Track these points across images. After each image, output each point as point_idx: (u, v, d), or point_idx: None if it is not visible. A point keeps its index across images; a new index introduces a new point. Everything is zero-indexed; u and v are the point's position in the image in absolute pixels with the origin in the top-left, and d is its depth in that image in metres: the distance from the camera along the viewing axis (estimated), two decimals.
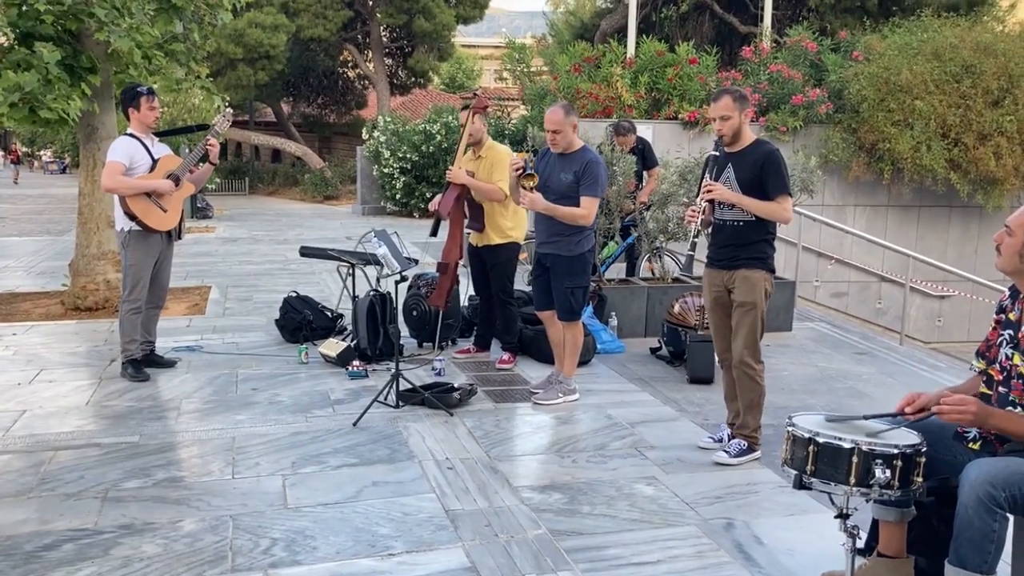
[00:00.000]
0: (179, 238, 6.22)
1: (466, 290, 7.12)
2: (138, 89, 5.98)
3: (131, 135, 5.95)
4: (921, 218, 13.45)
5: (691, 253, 4.78)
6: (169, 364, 6.32)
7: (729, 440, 4.78)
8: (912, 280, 10.64)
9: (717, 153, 4.65)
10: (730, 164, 4.60)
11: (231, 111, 6.56)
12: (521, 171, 5.33)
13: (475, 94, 6.67)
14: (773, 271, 4.67)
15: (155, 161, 5.93)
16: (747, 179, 4.52)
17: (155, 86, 8.58)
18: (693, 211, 4.60)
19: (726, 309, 4.73)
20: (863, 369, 6.81)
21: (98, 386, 5.86)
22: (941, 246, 13.36)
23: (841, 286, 13.10)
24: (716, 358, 6.27)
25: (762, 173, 4.48)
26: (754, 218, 4.53)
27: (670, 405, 5.65)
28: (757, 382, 4.65)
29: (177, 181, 5.94)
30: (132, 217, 5.83)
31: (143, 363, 6.14)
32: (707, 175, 4.65)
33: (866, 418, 3.01)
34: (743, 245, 4.60)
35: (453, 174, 6.19)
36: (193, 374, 6.16)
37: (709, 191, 4.55)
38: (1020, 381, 2.88)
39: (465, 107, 6.34)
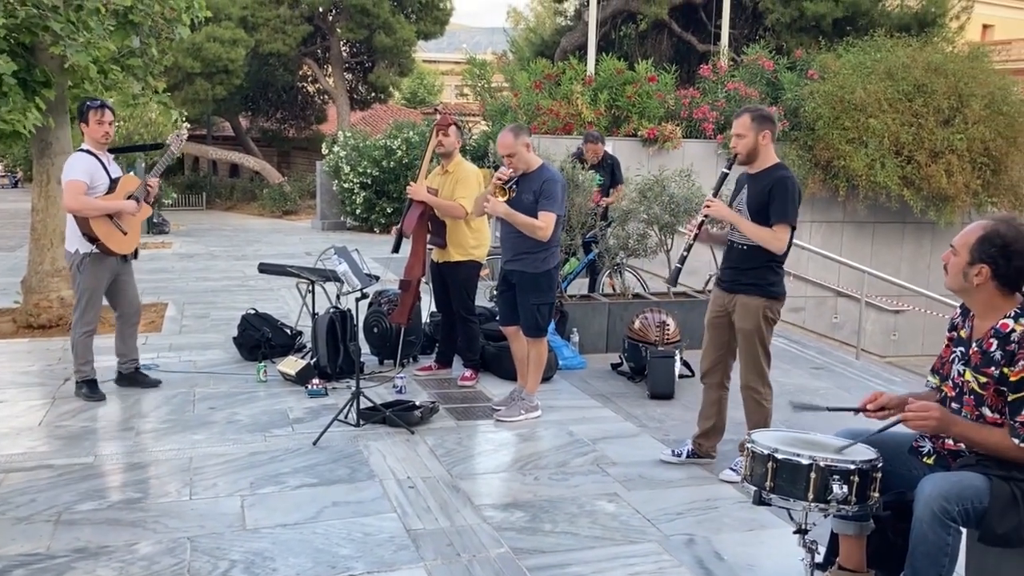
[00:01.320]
0: (135, 258, 6.12)
1: (428, 306, 7.10)
2: (87, 103, 5.83)
3: (86, 151, 5.80)
4: (876, 234, 13.71)
5: (679, 266, 4.70)
6: (154, 383, 6.21)
7: (682, 451, 4.87)
8: (867, 295, 10.82)
9: (727, 171, 4.63)
10: (747, 185, 4.59)
11: (186, 130, 6.47)
12: (503, 183, 5.35)
13: (436, 110, 6.68)
14: (776, 297, 4.57)
15: (114, 181, 5.81)
16: (756, 203, 4.48)
17: (111, 101, 8.49)
18: (691, 225, 4.61)
19: (721, 331, 4.72)
20: (820, 384, 6.90)
21: (51, 406, 5.75)
22: (895, 261, 13.62)
23: (798, 301, 13.27)
24: (677, 374, 6.38)
25: (768, 198, 4.43)
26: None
27: (631, 421, 5.67)
28: (763, 405, 4.65)
29: (137, 202, 5.85)
30: (93, 240, 5.67)
31: (126, 382, 6.11)
32: (711, 191, 4.62)
33: (830, 410, 3.06)
34: (745, 269, 4.57)
35: (413, 190, 6.18)
36: (149, 393, 6.06)
37: (707, 206, 4.53)
38: (971, 397, 2.94)
39: (455, 124, 6.32)
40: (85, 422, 5.44)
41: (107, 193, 5.75)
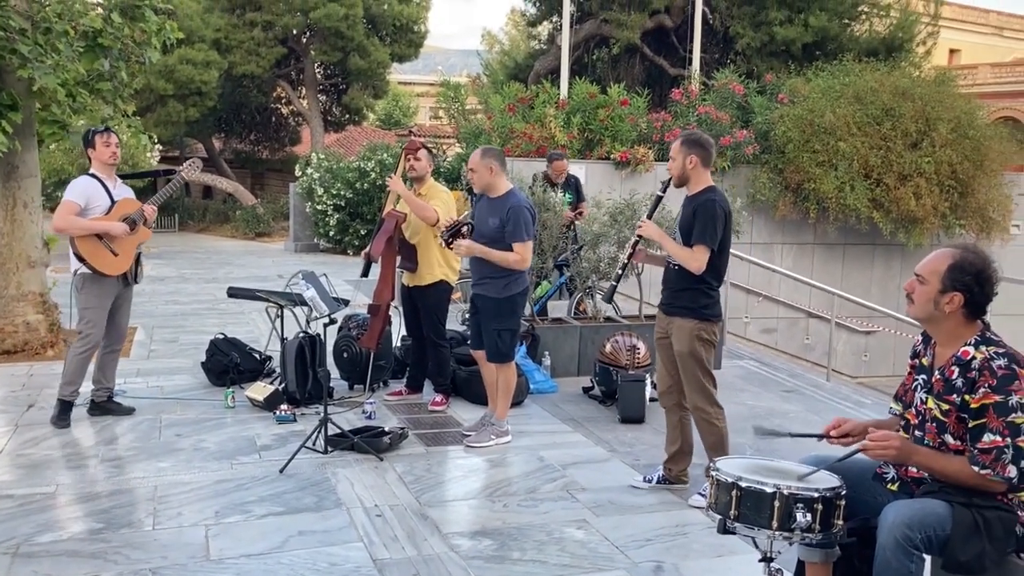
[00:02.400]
0: (136, 282, 6.08)
1: (398, 330, 7.06)
2: (92, 130, 5.90)
3: (92, 175, 5.82)
4: (846, 255, 13.83)
5: (614, 284, 4.86)
6: (128, 411, 6.13)
7: (659, 481, 4.87)
8: (838, 316, 10.89)
9: (661, 194, 4.75)
10: (681, 208, 4.70)
11: (199, 160, 6.48)
12: (453, 228, 5.42)
13: (410, 132, 6.68)
14: (709, 319, 4.61)
15: (113, 203, 5.80)
16: (684, 225, 4.59)
17: (79, 124, 8.42)
18: (628, 246, 4.72)
19: (668, 351, 4.77)
20: (790, 407, 6.92)
21: (14, 433, 5.65)
22: (865, 282, 13.74)
23: (770, 322, 13.35)
24: (648, 397, 6.38)
25: (693, 219, 4.52)
26: None
27: (602, 446, 5.65)
28: (714, 424, 4.67)
29: (133, 225, 5.81)
30: (80, 259, 5.68)
31: (99, 410, 6.04)
32: (646, 214, 4.74)
33: (792, 436, 3.06)
34: (677, 291, 4.65)
35: (394, 181, 6.16)
36: (115, 419, 5.98)
37: (640, 228, 4.64)
38: (934, 424, 2.96)
39: (425, 148, 6.34)
40: (48, 450, 5.35)
41: (106, 215, 5.75)
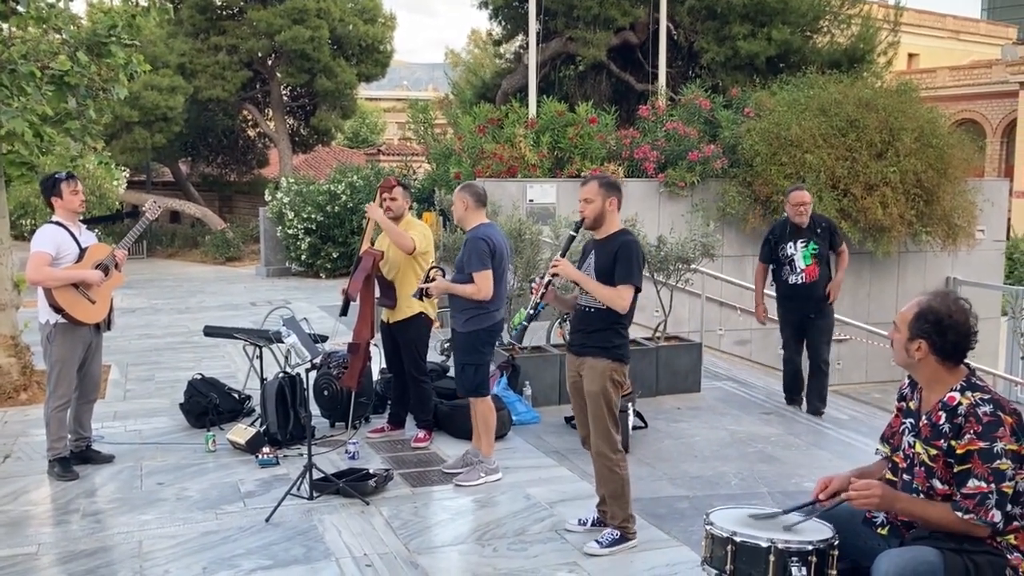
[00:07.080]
0: (108, 329, 6.00)
1: (378, 362, 7.02)
2: (56, 176, 5.79)
3: (57, 223, 5.72)
4: None
5: (525, 324, 4.76)
6: (107, 459, 6.06)
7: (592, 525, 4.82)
8: None
9: (574, 233, 4.73)
10: (593, 251, 4.66)
11: (160, 199, 6.43)
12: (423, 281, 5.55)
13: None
14: (621, 360, 4.60)
15: (83, 250, 5.72)
16: (603, 267, 4.55)
17: (46, 163, 8.34)
18: (538, 284, 4.67)
19: (582, 394, 4.72)
20: (771, 430, 6.96)
21: None
22: None
23: (744, 334, 13.43)
24: (630, 426, 6.40)
25: (614, 261, 4.50)
26: (603, 306, 4.53)
27: (587, 480, 5.63)
28: (616, 472, 4.59)
29: (106, 271, 5.75)
30: (58, 310, 5.58)
31: (77, 460, 5.92)
32: (558, 252, 4.71)
33: (786, 512, 3.08)
34: (590, 332, 4.62)
35: (372, 208, 6.15)
36: (94, 468, 5.89)
37: (555, 267, 4.57)
38: (922, 468, 3.00)
39: (400, 185, 6.33)
40: (27, 505, 5.27)
41: (76, 263, 5.67)
